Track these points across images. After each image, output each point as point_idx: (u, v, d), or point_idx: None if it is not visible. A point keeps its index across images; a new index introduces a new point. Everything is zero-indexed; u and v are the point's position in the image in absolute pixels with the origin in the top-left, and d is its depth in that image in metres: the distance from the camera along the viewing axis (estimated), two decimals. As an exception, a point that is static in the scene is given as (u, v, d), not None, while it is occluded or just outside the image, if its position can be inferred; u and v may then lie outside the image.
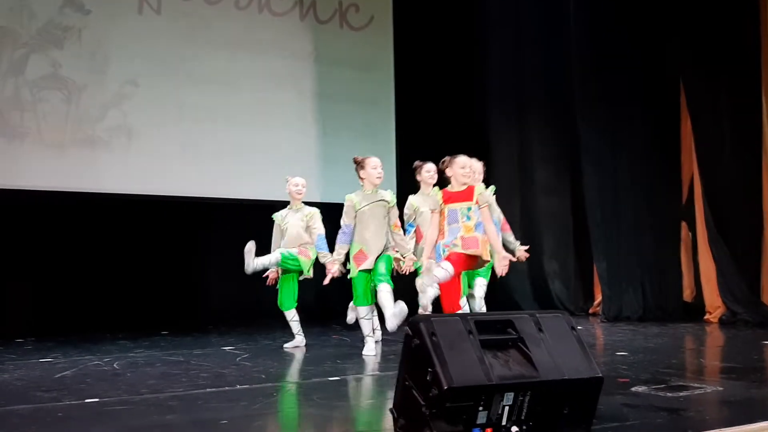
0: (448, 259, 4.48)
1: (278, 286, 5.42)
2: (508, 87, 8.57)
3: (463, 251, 4.48)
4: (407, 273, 5.01)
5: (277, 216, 5.50)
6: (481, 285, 5.44)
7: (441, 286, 4.55)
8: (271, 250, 5.41)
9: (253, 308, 7.85)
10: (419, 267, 4.88)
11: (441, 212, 4.61)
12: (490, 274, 5.42)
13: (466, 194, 4.59)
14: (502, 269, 4.63)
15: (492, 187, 5.35)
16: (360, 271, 4.88)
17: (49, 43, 7.08)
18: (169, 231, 7.62)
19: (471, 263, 4.60)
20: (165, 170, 7.42)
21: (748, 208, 6.82)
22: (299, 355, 4.95)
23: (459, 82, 8.95)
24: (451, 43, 8.94)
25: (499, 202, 8.59)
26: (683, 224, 7.53)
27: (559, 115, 8.20)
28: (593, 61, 7.47)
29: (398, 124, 8.81)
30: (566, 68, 7.79)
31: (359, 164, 4.98)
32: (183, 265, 7.73)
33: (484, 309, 5.39)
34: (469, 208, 4.56)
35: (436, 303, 4.66)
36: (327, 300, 8.33)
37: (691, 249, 7.51)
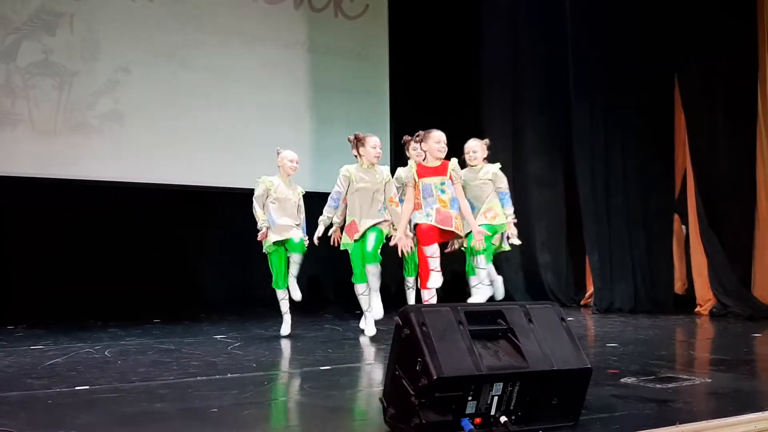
0: (417, 232, 4.59)
1: (271, 266, 5.35)
2: (503, 77, 8.55)
3: (436, 224, 4.55)
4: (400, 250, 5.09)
5: (267, 181, 5.26)
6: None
7: (419, 255, 4.76)
8: (254, 208, 5.24)
9: (245, 297, 7.85)
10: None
11: (415, 186, 4.68)
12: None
13: (441, 169, 4.67)
14: (479, 243, 4.71)
15: (497, 164, 5.49)
16: (354, 243, 5.04)
17: (40, 29, 7.04)
18: (161, 219, 7.61)
19: (445, 236, 4.72)
20: (157, 158, 7.40)
21: (740, 201, 6.84)
22: (291, 344, 4.95)
23: (454, 72, 8.93)
24: (446, 32, 8.91)
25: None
26: (676, 217, 7.55)
27: (554, 106, 8.20)
28: (588, 52, 7.46)
29: (393, 113, 8.79)
30: (561, 59, 7.78)
31: (360, 141, 5.13)
32: (175, 253, 7.71)
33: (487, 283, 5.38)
34: (443, 182, 4.65)
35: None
36: (319, 289, 8.36)
37: (683, 242, 7.54)
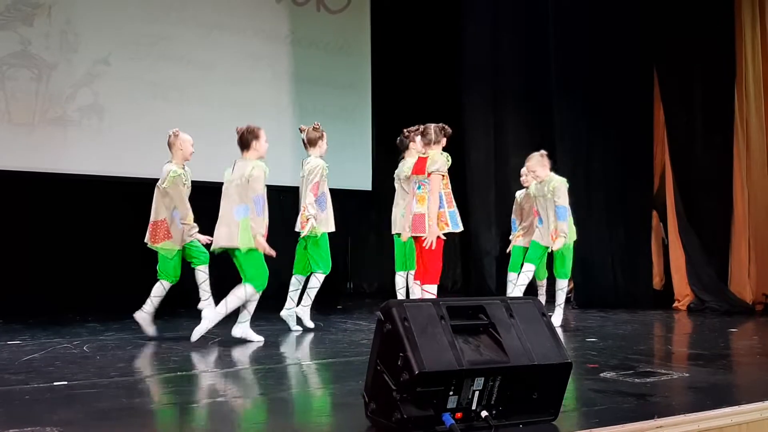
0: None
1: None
2: (485, 72, 8.57)
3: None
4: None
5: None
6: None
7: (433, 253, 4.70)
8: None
9: (225, 292, 7.79)
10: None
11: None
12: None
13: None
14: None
15: (563, 179, 5.68)
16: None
17: (18, 20, 6.92)
18: (140, 213, 7.50)
19: None
20: (136, 151, 7.32)
21: (718, 197, 6.92)
22: (271, 339, 4.93)
23: (436, 67, 8.94)
24: (428, 27, 8.91)
25: (475, 188, 8.67)
26: (654, 213, 7.62)
27: (535, 102, 8.22)
28: (570, 49, 7.50)
29: (374, 107, 8.78)
30: (543, 56, 7.80)
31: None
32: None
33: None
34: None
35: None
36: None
37: (661, 237, 7.62)
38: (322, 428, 2.62)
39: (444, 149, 4.89)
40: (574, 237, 5.78)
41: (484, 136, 8.53)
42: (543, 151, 5.73)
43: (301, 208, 5.37)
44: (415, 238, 4.73)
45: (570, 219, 5.67)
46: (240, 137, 4.80)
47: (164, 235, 5.00)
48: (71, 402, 2.89)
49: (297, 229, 5.42)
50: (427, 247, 4.59)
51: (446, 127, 4.84)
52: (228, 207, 4.68)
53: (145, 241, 5.11)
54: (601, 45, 7.41)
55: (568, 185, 5.66)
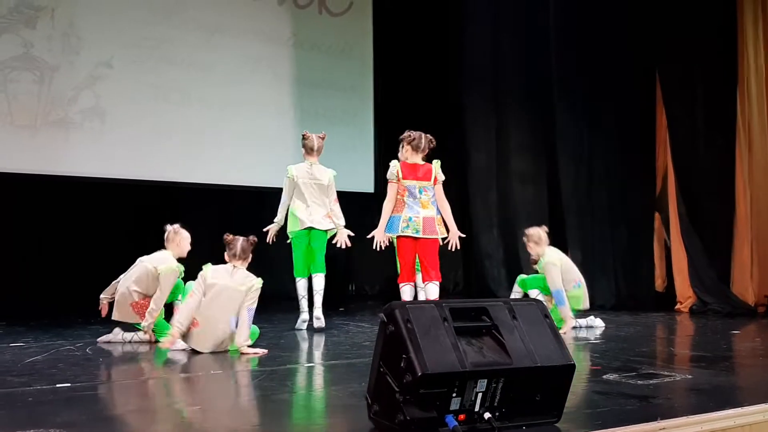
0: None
1: None
2: (486, 74, 8.57)
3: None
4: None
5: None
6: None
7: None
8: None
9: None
10: None
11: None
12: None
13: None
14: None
15: (552, 255, 5.57)
16: None
17: (20, 23, 6.94)
18: (142, 215, 7.52)
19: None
20: (138, 154, 7.34)
21: (720, 199, 6.92)
22: (273, 341, 4.93)
23: (437, 68, 8.95)
24: (429, 29, 8.92)
25: (476, 188, 8.66)
26: (656, 215, 7.62)
27: (536, 103, 8.22)
28: (571, 50, 7.51)
29: (376, 109, 8.79)
30: (544, 57, 7.81)
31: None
32: (155, 249, 7.63)
33: None
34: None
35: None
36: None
37: (663, 239, 7.62)
38: (324, 430, 2.62)
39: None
40: (580, 305, 5.59)
41: (485, 137, 8.53)
42: (544, 227, 5.61)
43: (321, 213, 5.55)
44: (425, 240, 4.81)
45: (577, 289, 5.55)
46: (242, 248, 4.60)
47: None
48: (74, 404, 2.89)
49: (316, 226, 5.51)
50: (454, 249, 4.92)
51: (433, 140, 5.02)
52: (222, 314, 4.41)
53: (129, 320, 4.92)
54: (602, 45, 7.42)
55: (559, 261, 5.46)
